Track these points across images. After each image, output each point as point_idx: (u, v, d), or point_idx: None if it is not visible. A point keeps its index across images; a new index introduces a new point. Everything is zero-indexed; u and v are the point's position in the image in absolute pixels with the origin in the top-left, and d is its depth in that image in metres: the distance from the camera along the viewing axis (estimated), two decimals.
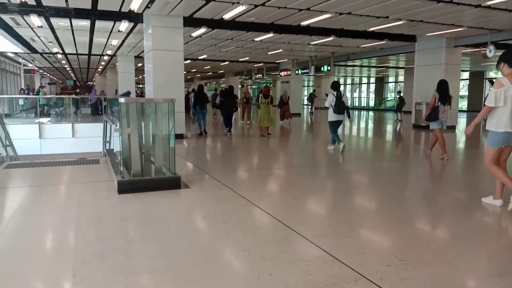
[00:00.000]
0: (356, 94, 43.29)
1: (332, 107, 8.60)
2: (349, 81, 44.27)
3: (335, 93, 8.58)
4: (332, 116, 8.72)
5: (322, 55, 20.88)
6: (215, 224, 4.00)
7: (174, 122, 5.64)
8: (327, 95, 9.65)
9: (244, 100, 16.52)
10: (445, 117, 7.49)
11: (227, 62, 24.88)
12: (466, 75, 30.87)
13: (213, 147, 10.55)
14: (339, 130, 9.37)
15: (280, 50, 18.87)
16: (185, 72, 36.74)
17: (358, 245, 3.36)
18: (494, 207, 4.47)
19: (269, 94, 12.34)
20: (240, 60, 23.79)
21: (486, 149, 4.52)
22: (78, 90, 46.28)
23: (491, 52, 12.66)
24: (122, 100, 5.42)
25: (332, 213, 4.51)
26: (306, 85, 40.20)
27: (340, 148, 8.59)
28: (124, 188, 5.07)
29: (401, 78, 38.18)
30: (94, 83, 40.88)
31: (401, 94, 21.21)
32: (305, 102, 35.30)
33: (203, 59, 23.47)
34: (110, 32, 14.41)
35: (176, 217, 4.29)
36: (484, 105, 4.39)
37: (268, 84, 46.19)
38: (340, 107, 8.53)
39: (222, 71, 34.74)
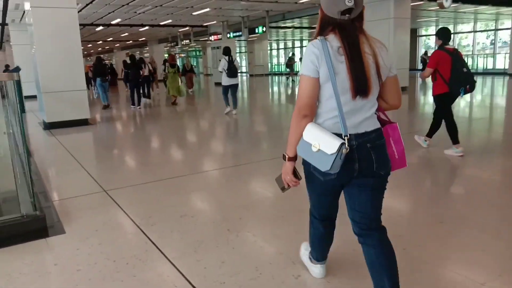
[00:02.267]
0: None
1: (225, 71, 9.14)
2: (282, 45, 42.38)
3: (226, 58, 9.15)
4: (225, 81, 9.25)
5: (256, 15, 18.52)
6: None
7: (20, 115, 3.18)
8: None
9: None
10: None
11: (147, 27, 21.61)
12: None
13: (122, 135, 8.05)
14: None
15: (207, 10, 16.20)
16: (101, 42, 32.95)
17: None
18: None
19: (175, 63, 12.32)
20: (162, 24, 20.67)
21: None
22: None
23: (448, 1, 11.17)
24: None
25: None
26: (239, 51, 37.62)
27: (226, 111, 9.31)
28: None
29: None
30: None
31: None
32: (283, 68, 32.70)
33: (117, 25, 20.06)
34: None
35: None
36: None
37: (197, 52, 43.13)
38: (232, 71, 9.14)
39: (143, 39, 31.03)
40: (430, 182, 4.36)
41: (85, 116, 8.62)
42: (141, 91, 11.85)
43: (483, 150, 5.55)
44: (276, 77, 32.07)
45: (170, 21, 19.56)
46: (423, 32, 29.54)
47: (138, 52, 43.68)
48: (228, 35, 21.00)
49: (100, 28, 21.61)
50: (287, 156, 1.81)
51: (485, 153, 5.31)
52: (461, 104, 10.60)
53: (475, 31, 27.03)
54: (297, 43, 40.24)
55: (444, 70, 4.57)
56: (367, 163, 1.70)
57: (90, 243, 2.86)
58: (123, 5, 14.25)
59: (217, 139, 7.36)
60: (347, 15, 1.63)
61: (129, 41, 32.42)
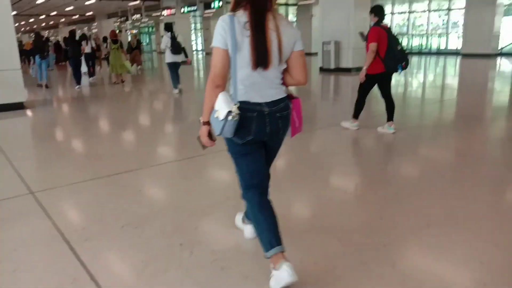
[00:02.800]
0: None
1: (168, 48, 8.79)
2: None
3: (169, 34, 8.80)
4: (169, 58, 8.93)
5: None
6: None
7: None
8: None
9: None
10: None
11: (93, 0, 20.06)
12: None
13: (61, 121, 7.20)
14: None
15: None
16: (44, 16, 30.40)
17: None
18: None
19: (118, 39, 11.45)
20: None
21: None
22: None
23: None
24: None
25: None
26: (194, 27, 36.21)
27: (175, 92, 8.98)
28: None
29: (290, 17, 36.59)
30: None
31: None
32: None
33: None
34: None
35: None
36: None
37: (149, 28, 41.20)
38: (176, 48, 8.80)
39: (91, 13, 29.04)
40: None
41: (20, 99, 7.62)
42: (82, 70, 11.20)
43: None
44: None
45: None
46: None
47: (86, 28, 41.09)
48: (182, 10, 19.91)
49: (41, 0, 19.83)
50: (202, 121, 1.95)
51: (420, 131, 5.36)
52: (414, 84, 10.52)
53: (429, 11, 27.42)
54: None
55: (381, 47, 4.49)
56: (275, 127, 1.94)
57: (1, 270, 2.22)
58: None
59: (168, 123, 6.69)
60: None
61: (75, 15, 30.24)
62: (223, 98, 1.82)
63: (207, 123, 1.93)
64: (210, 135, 1.96)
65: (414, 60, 20.28)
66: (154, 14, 25.31)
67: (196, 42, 31.68)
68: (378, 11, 4.67)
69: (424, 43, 26.46)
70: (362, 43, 4.83)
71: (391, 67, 4.53)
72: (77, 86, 10.61)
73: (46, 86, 10.69)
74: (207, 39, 34.29)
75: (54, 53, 17.43)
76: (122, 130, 6.13)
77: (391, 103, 4.86)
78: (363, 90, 4.88)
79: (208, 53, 32.81)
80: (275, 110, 1.91)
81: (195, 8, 18.78)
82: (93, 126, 6.55)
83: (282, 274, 1.79)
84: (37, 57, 10.81)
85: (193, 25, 34.69)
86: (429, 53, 24.65)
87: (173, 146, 5.17)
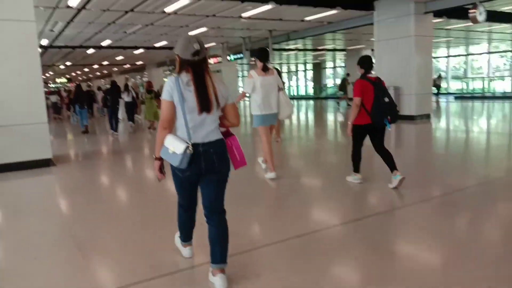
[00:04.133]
0: (293, 83, 40.15)
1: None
2: (285, 68, 41.12)
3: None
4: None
5: (258, 35, 17.05)
6: None
7: None
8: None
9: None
10: None
11: (141, 50, 20.22)
12: None
13: (88, 182, 6.29)
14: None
15: (205, 29, 14.70)
16: (97, 66, 31.60)
17: None
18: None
19: (152, 89, 11.94)
20: (157, 46, 19.26)
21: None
22: None
23: (482, 15, 9.56)
24: None
25: None
26: (241, 75, 36.35)
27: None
28: None
29: (338, 62, 35.81)
30: None
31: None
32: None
33: (109, 47, 18.67)
34: None
35: None
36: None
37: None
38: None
39: (141, 63, 29.73)
40: None
41: (46, 155, 6.87)
42: (120, 116, 11.86)
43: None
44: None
45: (165, 42, 18.10)
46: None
47: (138, 77, 42.61)
48: (229, 58, 19.54)
49: (92, 50, 20.25)
50: (155, 157, 2.56)
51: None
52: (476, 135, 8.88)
53: (489, 53, 25.61)
54: (301, 67, 38.98)
55: (367, 100, 4.46)
56: (210, 163, 2.46)
57: None
58: (109, 24, 12.77)
59: None
60: (196, 56, 2.40)
61: (126, 64, 31.13)
62: (174, 137, 2.43)
63: (159, 158, 2.53)
64: (160, 169, 2.56)
65: (476, 104, 18.49)
66: None
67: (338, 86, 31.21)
68: (362, 63, 4.61)
69: (485, 86, 24.50)
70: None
71: (376, 120, 4.48)
72: (112, 132, 11.09)
73: (86, 131, 11.79)
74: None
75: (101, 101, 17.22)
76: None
77: (387, 155, 4.67)
78: (356, 142, 4.81)
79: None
80: (209, 148, 2.45)
81: (241, 56, 18.30)
82: (124, 188, 5.56)
83: (185, 251, 2.96)
84: (77, 106, 12.02)
85: (240, 72, 34.87)
86: (493, 97, 22.63)
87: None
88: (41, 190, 5.79)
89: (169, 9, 10.95)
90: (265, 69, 5.21)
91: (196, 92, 2.39)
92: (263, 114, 5.20)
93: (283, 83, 6.98)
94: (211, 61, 21.14)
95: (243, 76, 37.78)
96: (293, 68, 39.95)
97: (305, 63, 37.44)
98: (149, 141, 9.95)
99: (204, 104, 2.39)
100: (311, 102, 28.06)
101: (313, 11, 12.01)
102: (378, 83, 4.51)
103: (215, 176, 2.50)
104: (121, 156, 8.48)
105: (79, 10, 10.43)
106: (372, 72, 4.59)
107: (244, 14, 12.20)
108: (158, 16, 11.85)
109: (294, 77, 40.33)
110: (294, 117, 15.24)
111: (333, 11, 12.07)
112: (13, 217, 4.35)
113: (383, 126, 4.54)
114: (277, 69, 6.26)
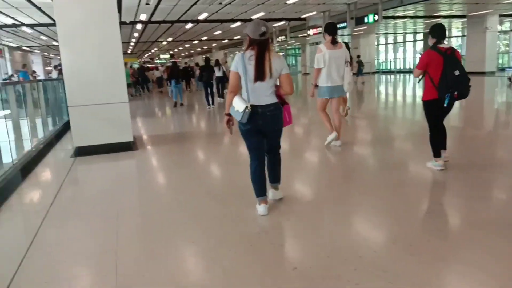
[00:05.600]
0: (400, 55, 36.43)
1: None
2: (391, 39, 37.46)
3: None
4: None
5: (365, 1, 15.00)
6: None
7: None
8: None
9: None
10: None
11: (238, 23, 19.39)
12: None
13: (170, 171, 5.46)
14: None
15: None
16: (197, 41, 31.83)
17: None
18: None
19: None
20: (254, 18, 18.22)
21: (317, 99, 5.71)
22: None
23: None
24: None
25: None
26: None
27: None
28: None
29: (454, 32, 31.36)
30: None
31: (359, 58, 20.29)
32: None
33: (206, 20, 18.14)
34: None
35: None
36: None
37: (296, 50, 40.38)
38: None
39: (239, 37, 29.13)
40: None
41: (127, 138, 6.26)
42: (214, 90, 12.61)
43: None
44: (385, 76, 27.85)
45: (262, 13, 16.96)
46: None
47: (237, 52, 42.56)
48: None
49: (190, 25, 19.99)
50: (225, 113, 3.26)
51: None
52: None
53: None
54: (410, 37, 35.04)
55: (434, 72, 4.14)
56: (267, 121, 3.19)
57: None
58: None
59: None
60: (262, 37, 3.04)
61: (224, 40, 30.87)
62: (239, 99, 3.13)
63: (228, 114, 3.24)
64: (228, 123, 3.28)
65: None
66: (300, 35, 23.82)
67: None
68: (433, 31, 4.30)
69: None
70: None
71: (442, 95, 4.11)
72: (209, 107, 11.80)
73: (182, 104, 12.87)
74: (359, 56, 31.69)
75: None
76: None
77: (442, 132, 4.42)
78: (430, 121, 4.44)
79: (354, 73, 30.18)
80: (266, 110, 3.15)
81: (345, 25, 16.39)
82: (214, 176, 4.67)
83: (260, 209, 3.28)
84: (173, 81, 12.83)
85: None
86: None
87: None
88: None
89: None
90: (334, 42, 5.44)
91: (255, 65, 3.06)
92: (329, 85, 5.46)
93: (351, 57, 7.40)
94: (310, 32, 19.53)
95: (352, 48, 35.40)
96: (400, 39, 36.21)
97: (414, 33, 33.55)
98: None
99: (259, 74, 3.07)
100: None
101: None
102: (449, 55, 4.10)
103: (272, 132, 3.30)
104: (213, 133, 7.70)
105: None
106: (445, 42, 4.25)
107: None
108: None
109: (400, 49, 36.59)
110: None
111: None
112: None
113: (451, 103, 4.13)
114: (346, 43, 6.31)
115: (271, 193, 3.51)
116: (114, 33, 6.05)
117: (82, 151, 6.01)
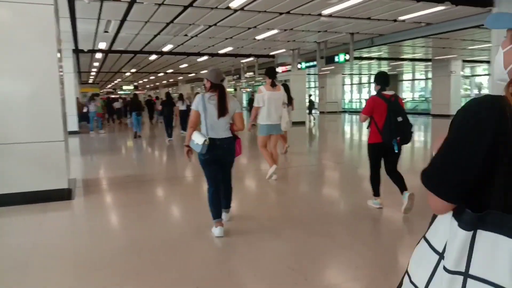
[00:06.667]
0: (364, 95, 37.01)
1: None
2: (356, 79, 38.13)
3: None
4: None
5: (335, 41, 14.70)
6: None
7: None
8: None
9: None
10: None
11: (205, 57, 18.72)
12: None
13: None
14: None
15: (275, 31, 12.63)
16: (162, 74, 30.95)
17: None
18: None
19: None
20: (221, 52, 17.60)
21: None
22: None
23: None
24: None
25: None
26: (308, 86, 33.99)
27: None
28: None
29: (418, 75, 32.24)
30: None
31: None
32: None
33: (171, 53, 17.32)
34: None
35: None
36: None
37: (254, 86, 40.46)
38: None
39: (206, 71, 28.44)
40: None
41: (59, 185, 5.11)
42: (174, 124, 13.36)
43: None
44: (351, 116, 27.90)
45: (230, 48, 16.35)
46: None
47: (203, 86, 41.88)
48: (299, 66, 17.35)
49: (154, 57, 19.11)
50: (185, 145, 3.81)
51: None
52: None
53: None
54: (365, 79, 35.78)
55: (379, 118, 4.38)
56: (224, 152, 3.76)
57: None
58: (167, 23, 11.13)
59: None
60: (222, 81, 3.76)
61: (191, 73, 30.17)
62: (198, 134, 3.68)
63: (188, 146, 3.78)
64: (188, 154, 3.83)
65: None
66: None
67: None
68: (378, 79, 4.61)
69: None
70: None
71: (386, 140, 4.33)
72: (169, 139, 12.32)
73: (139, 136, 13.44)
74: (322, 98, 31.74)
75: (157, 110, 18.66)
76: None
77: (398, 178, 4.50)
78: (372, 162, 4.60)
79: (321, 112, 30.10)
80: (223, 143, 3.73)
81: (314, 63, 16.03)
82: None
83: (216, 231, 3.76)
84: (134, 113, 13.43)
85: (307, 83, 32.56)
86: None
87: None
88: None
89: (234, 3, 9.02)
90: (273, 85, 5.99)
91: (218, 103, 3.68)
92: (268, 124, 5.97)
93: (292, 98, 8.70)
94: (279, 69, 19.14)
95: (315, 87, 35.60)
96: (365, 79, 36.90)
97: (369, 75, 34.28)
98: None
99: (222, 111, 3.68)
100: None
101: (415, 7, 9.47)
102: (393, 102, 4.35)
103: (226, 162, 3.90)
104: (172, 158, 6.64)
105: (130, 4, 8.83)
106: (386, 89, 4.47)
107: (325, 11, 9.95)
108: (222, 13, 9.97)
109: (365, 90, 37.22)
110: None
111: (440, 7, 9.46)
112: None
113: (390, 146, 4.38)
114: (286, 85, 7.24)
115: (224, 215, 3.99)
116: (51, 56, 5.02)
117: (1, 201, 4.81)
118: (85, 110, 17.65)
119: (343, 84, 35.72)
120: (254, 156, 8.84)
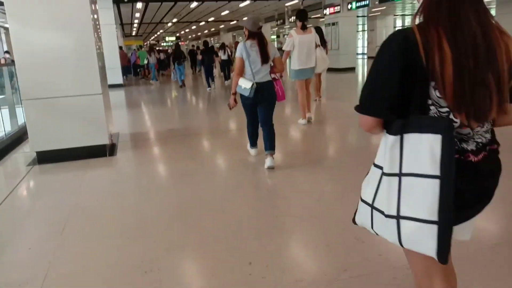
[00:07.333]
0: None
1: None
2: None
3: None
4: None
5: None
6: None
7: None
8: None
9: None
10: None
11: (247, 2, 17.72)
12: None
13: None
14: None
15: None
16: (203, 23, 30.03)
17: None
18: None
19: None
20: None
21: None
22: None
23: None
24: None
25: None
26: (362, 28, 31.90)
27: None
28: None
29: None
30: None
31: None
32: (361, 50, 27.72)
33: None
34: None
35: None
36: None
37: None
38: None
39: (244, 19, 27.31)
40: None
41: (100, 141, 4.84)
42: (214, 74, 13.46)
43: None
44: None
45: None
46: None
47: (244, 35, 40.53)
48: (349, 6, 15.99)
49: (195, 4, 18.36)
50: (232, 92, 4.12)
51: None
52: None
53: None
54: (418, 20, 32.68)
55: None
56: (264, 95, 3.97)
57: None
58: None
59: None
60: (259, 29, 3.95)
61: (232, 21, 29.13)
62: (244, 79, 3.94)
63: (234, 93, 4.08)
64: (235, 100, 4.12)
65: None
66: (313, 16, 22.05)
67: (357, 45, 27.35)
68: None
69: None
70: None
71: None
72: (209, 88, 12.09)
73: (182, 86, 13.17)
74: (371, 42, 29.75)
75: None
76: None
77: None
78: None
79: (370, 57, 28.32)
80: (264, 85, 3.95)
81: (366, 2, 14.65)
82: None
83: (251, 150, 4.57)
84: (176, 63, 13.19)
85: (361, 26, 30.54)
86: None
87: None
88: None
89: None
90: (304, 28, 5.88)
91: (260, 51, 3.90)
92: (300, 68, 5.93)
93: (326, 41, 8.43)
94: (327, 11, 17.78)
95: (362, 30, 33.44)
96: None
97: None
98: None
99: (265, 58, 3.91)
100: None
101: None
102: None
103: (266, 103, 4.06)
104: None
105: None
106: None
107: None
108: None
109: None
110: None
111: None
112: None
113: None
114: (318, 28, 7.18)
115: (268, 160, 4.10)
116: (83, 9, 4.57)
117: (42, 158, 4.63)
118: (133, 61, 18.35)
119: (395, 27, 33.27)
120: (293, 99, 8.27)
